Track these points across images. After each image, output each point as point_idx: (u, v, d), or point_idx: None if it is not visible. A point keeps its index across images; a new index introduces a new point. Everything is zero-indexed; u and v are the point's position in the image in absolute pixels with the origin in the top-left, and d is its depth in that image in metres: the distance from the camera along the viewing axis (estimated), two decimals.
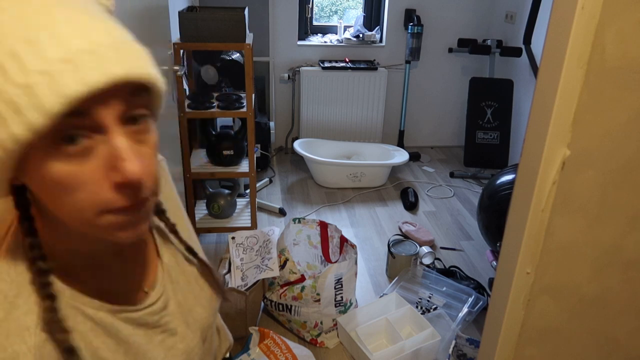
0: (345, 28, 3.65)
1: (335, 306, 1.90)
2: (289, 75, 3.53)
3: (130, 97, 0.46)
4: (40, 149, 0.43)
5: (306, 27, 3.61)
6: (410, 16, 3.50)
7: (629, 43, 0.94)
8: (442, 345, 1.84)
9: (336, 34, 3.65)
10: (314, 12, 3.61)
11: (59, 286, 0.53)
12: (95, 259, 0.57)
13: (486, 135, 3.37)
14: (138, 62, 0.45)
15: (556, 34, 0.96)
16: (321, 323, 1.91)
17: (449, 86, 3.82)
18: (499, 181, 2.36)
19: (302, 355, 1.74)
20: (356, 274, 1.99)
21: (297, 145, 3.23)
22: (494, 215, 2.30)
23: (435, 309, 2.04)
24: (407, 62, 3.58)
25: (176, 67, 1.83)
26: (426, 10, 3.55)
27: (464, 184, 3.37)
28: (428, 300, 2.09)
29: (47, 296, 0.50)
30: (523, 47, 3.15)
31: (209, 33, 2.15)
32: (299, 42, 3.52)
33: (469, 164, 3.44)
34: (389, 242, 2.38)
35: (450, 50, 3.67)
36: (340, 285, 1.89)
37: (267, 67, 3.53)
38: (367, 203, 3.06)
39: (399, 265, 2.30)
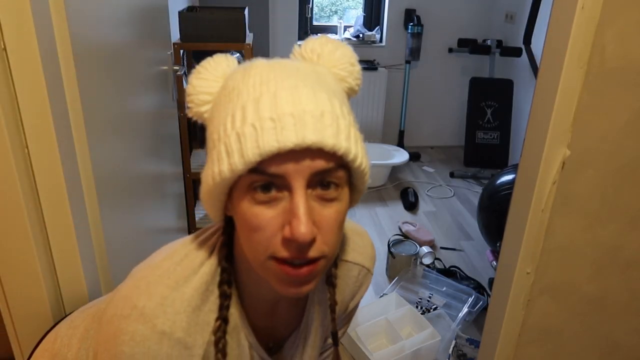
0: (345, 28, 3.65)
1: None
2: None
3: (326, 164, 0.50)
4: (241, 189, 0.51)
5: (306, 27, 3.60)
6: (410, 16, 3.50)
7: (629, 43, 0.94)
8: (442, 345, 1.84)
9: (336, 34, 3.65)
10: (313, 12, 3.61)
11: (238, 311, 0.63)
12: (262, 306, 0.66)
13: (486, 135, 3.37)
14: (332, 132, 0.49)
15: (556, 34, 0.96)
16: None
17: (449, 86, 3.82)
18: (499, 181, 2.36)
19: None
20: None
21: None
22: (494, 215, 2.30)
23: (435, 309, 2.04)
24: (407, 62, 3.58)
25: (176, 67, 1.83)
26: (426, 10, 3.54)
27: (464, 184, 3.37)
28: (428, 300, 2.09)
29: (222, 317, 0.59)
30: (523, 47, 3.15)
31: (209, 33, 2.15)
32: (299, 42, 3.50)
33: (469, 164, 3.44)
34: (389, 242, 2.38)
35: (450, 50, 3.67)
36: None
37: None
38: (367, 203, 3.06)
39: (399, 265, 2.30)
